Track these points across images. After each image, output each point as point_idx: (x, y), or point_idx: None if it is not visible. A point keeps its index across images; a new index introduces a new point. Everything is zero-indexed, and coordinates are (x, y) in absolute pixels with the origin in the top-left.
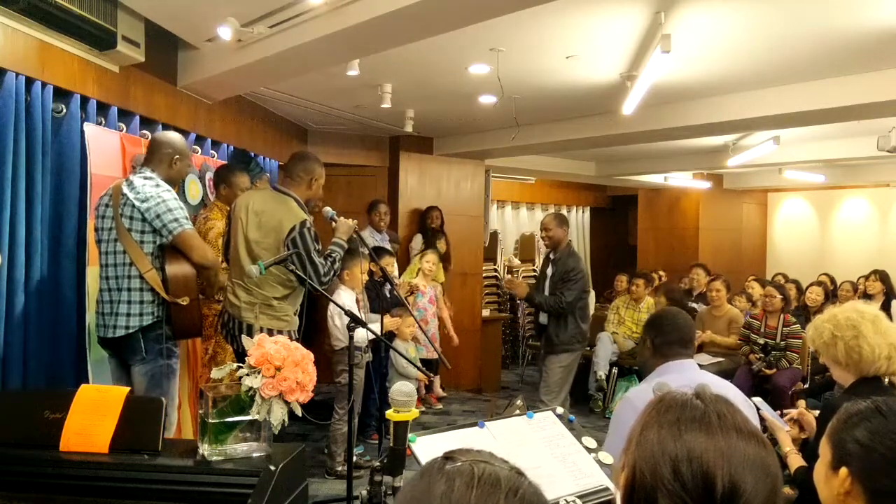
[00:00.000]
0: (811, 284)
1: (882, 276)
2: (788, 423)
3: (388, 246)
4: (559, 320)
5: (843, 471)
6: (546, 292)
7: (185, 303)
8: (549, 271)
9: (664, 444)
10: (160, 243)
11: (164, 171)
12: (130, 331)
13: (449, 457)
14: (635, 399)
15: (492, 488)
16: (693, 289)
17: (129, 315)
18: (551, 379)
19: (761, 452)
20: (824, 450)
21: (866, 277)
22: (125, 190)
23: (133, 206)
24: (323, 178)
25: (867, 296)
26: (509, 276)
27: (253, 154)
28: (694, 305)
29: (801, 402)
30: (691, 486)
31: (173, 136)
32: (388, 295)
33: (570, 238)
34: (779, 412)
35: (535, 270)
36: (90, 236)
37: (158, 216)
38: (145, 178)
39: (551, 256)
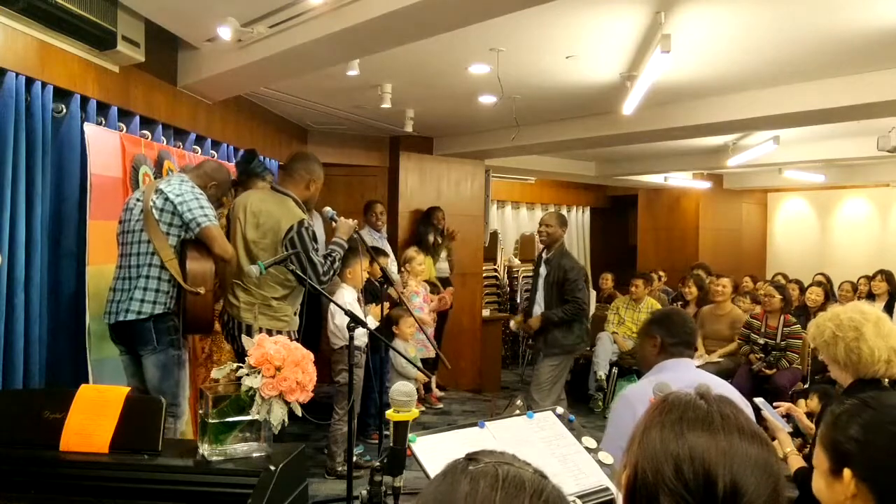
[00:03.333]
0: (811, 285)
1: (887, 277)
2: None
3: (385, 244)
4: (567, 324)
5: (847, 473)
6: (540, 291)
7: (201, 291)
8: (543, 271)
9: (666, 444)
10: (183, 238)
11: (198, 184)
12: (142, 317)
13: (472, 458)
14: (631, 396)
15: (516, 490)
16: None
17: (143, 301)
18: (542, 377)
19: (764, 453)
20: (820, 458)
21: (871, 278)
22: (161, 186)
23: (167, 198)
24: (321, 182)
25: (872, 296)
26: (514, 323)
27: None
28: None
29: (801, 402)
30: (693, 486)
31: (221, 171)
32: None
33: (564, 240)
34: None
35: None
36: (90, 236)
37: (190, 209)
38: (182, 179)
39: (544, 256)
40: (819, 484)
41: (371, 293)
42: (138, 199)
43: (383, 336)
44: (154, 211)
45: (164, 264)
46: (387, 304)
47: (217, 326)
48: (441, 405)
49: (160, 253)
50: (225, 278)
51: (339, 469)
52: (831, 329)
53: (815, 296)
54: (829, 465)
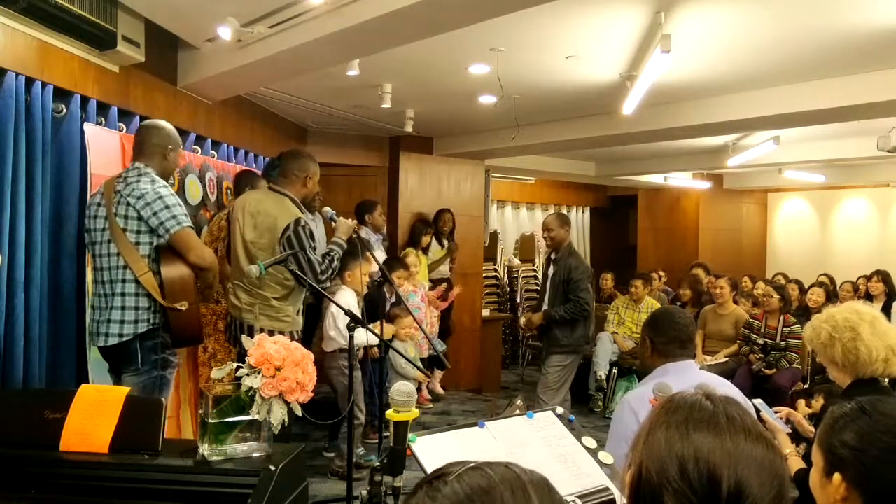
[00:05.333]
0: (812, 286)
1: (884, 277)
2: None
3: (381, 245)
4: (569, 323)
5: (837, 477)
6: (548, 293)
7: (183, 308)
8: (551, 271)
9: (671, 444)
10: (157, 244)
11: (158, 165)
12: (124, 339)
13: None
14: (633, 401)
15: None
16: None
17: (122, 322)
18: (550, 377)
19: (769, 455)
20: (816, 457)
21: (868, 278)
22: (118, 187)
23: (128, 203)
24: (318, 176)
25: (869, 297)
26: (524, 320)
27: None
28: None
29: (801, 402)
30: (697, 486)
31: (163, 125)
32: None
33: (571, 239)
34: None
35: (535, 270)
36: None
37: (155, 213)
38: (140, 174)
39: (552, 257)
40: (814, 481)
41: (371, 302)
42: (99, 204)
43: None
44: (118, 219)
45: (138, 279)
46: (388, 326)
47: (221, 326)
48: (430, 405)
49: (132, 267)
50: (207, 280)
51: (342, 469)
52: (827, 330)
53: (815, 296)
54: (823, 466)
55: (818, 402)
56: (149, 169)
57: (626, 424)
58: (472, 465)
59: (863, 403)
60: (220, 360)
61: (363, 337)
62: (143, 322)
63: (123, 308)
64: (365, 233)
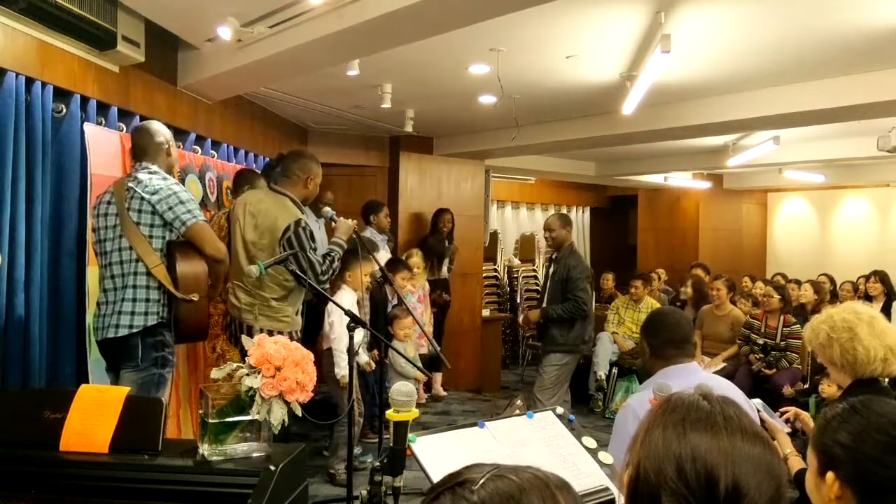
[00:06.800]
0: (806, 282)
1: (882, 277)
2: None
3: (386, 246)
4: (566, 322)
5: (830, 476)
6: (548, 291)
7: (195, 298)
8: (551, 270)
9: (669, 444)
10: (169, 239)
11: (164, 162)
12: (134, 330)
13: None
14: (636, 405)
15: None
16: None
17: (133, 314)
18: (546, 377)
19: (766, 455)
20: (811, 458)
21: (867, 278)
22: (130, 184)
23: (142, 198)
24: (320, 177)
25: (868, 297)
26: (522, 317)
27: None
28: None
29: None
30: (695, 486)
31: (157, 125)
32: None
33: (572, 239)
34: (778, 413)
35: (535, 271)
36: (90, 236)
37: (171, 208)
38: (150, 172)
39: (553, 256)
40: (810, 483)
41: (373, 304)
42: (109, 202)
43: (382, 336)
44: (132, 213)
45: (150, 271)
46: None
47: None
48: (423, 402)
49: (144, 259)
50: (220, 273)
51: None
52: (825, 331)
53: (806, 291)
54: (817, 466)
55: (832, 388)
56: (156, 167)
57: (626, 430)
58: (493, 469)
59: (854, 403)
60: (228, 359)
61: (358, 338)
62: (153, 315)
63: (135, 300)
64: (370, 233)
